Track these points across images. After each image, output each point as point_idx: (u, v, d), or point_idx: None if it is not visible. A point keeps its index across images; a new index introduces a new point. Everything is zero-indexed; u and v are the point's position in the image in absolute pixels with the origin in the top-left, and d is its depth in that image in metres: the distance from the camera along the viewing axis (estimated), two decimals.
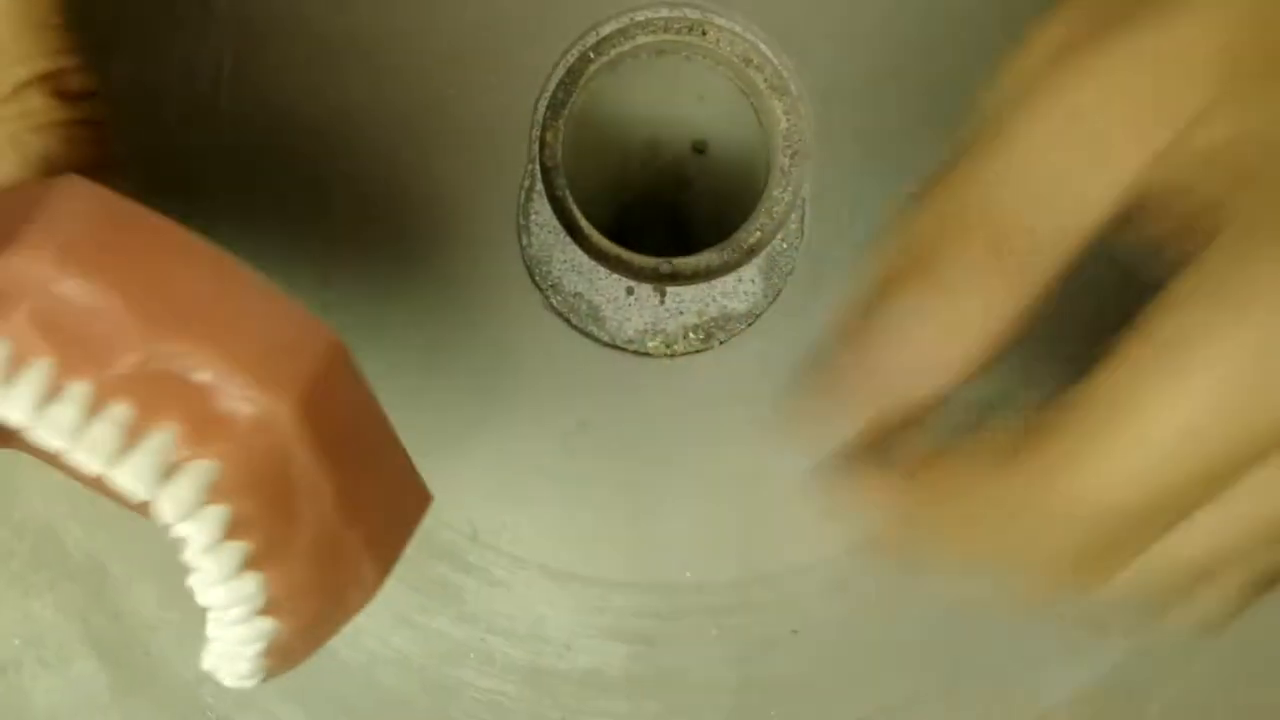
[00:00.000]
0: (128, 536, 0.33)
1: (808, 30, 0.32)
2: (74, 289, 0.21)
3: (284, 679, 0.33)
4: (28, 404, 0.21)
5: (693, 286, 0.33)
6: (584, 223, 0.33)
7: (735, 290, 0.33)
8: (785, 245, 0.33)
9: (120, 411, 0.21)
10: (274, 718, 0.33)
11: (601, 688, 0.33)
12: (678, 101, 0.36)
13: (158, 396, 0.21)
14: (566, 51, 0.33)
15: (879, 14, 0.32)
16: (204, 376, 0.21)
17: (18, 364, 0.21)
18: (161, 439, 0.21)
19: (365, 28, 0.32)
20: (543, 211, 0.33)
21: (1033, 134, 0.21)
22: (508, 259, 0.32)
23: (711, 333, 0.33)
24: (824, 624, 0.33)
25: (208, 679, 0.33)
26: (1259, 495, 0.21)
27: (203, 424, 0.21)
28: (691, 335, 0.33)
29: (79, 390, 0.21)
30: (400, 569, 0.33)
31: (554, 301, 0.33)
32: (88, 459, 0.21)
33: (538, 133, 0.33)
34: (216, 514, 0.21)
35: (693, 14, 0.33)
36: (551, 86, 0.33)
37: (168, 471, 0.21)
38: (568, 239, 0.33)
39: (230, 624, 0.23)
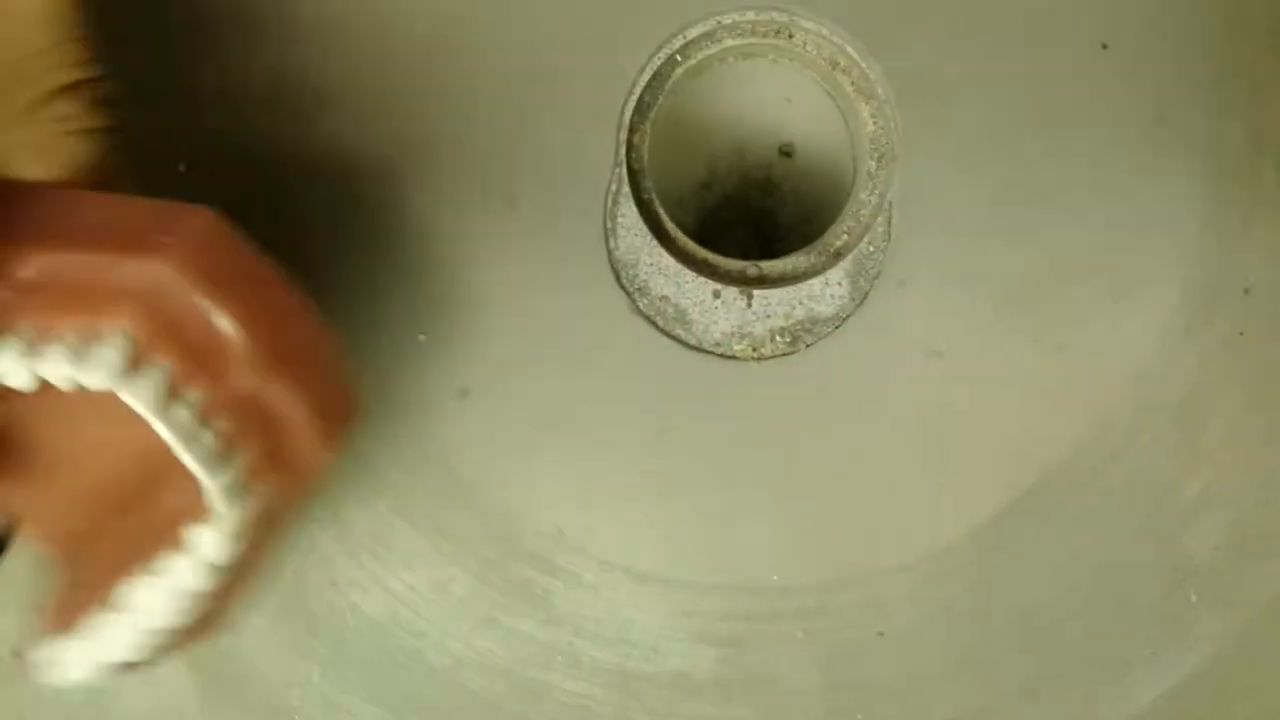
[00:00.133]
0: None
1: (894, 33, 0.32)
2: (200, 306, 0.24)
3: (370, 682, 0.33)
4: (110, 370, 0.23)
5: (779, 290, 0.33)
6: (671, 226, 0.33)
7: (822, 293, 0.33)
8: (871, 248, 0.33)
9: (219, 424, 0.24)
10: None
11: (689, 691, 0.33)
12: (764, 104, 0.36)
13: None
14: (653, 55, 0.33)
15: (965, 17, 0.32)
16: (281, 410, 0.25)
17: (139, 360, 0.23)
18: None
19: (453, 36, 0.32)
20: (629, 214, 0.33)
21: None
22: (595, 262, 0.32)
23: (798, 336, 0.33)
24: (910, 626, 0.33)
25: (295, 683, 0.33)
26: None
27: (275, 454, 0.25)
28: (778, 338, 0.33)
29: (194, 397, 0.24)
30: (486, 571, 0.33)
31: (641, 304, 0.33)
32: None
33: (625, 136, 0.33)
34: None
35: (779, 17, 0.33)
36: (638, 90, 0.33)
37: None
38: (654, 242, 0.33)
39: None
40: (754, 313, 0.33)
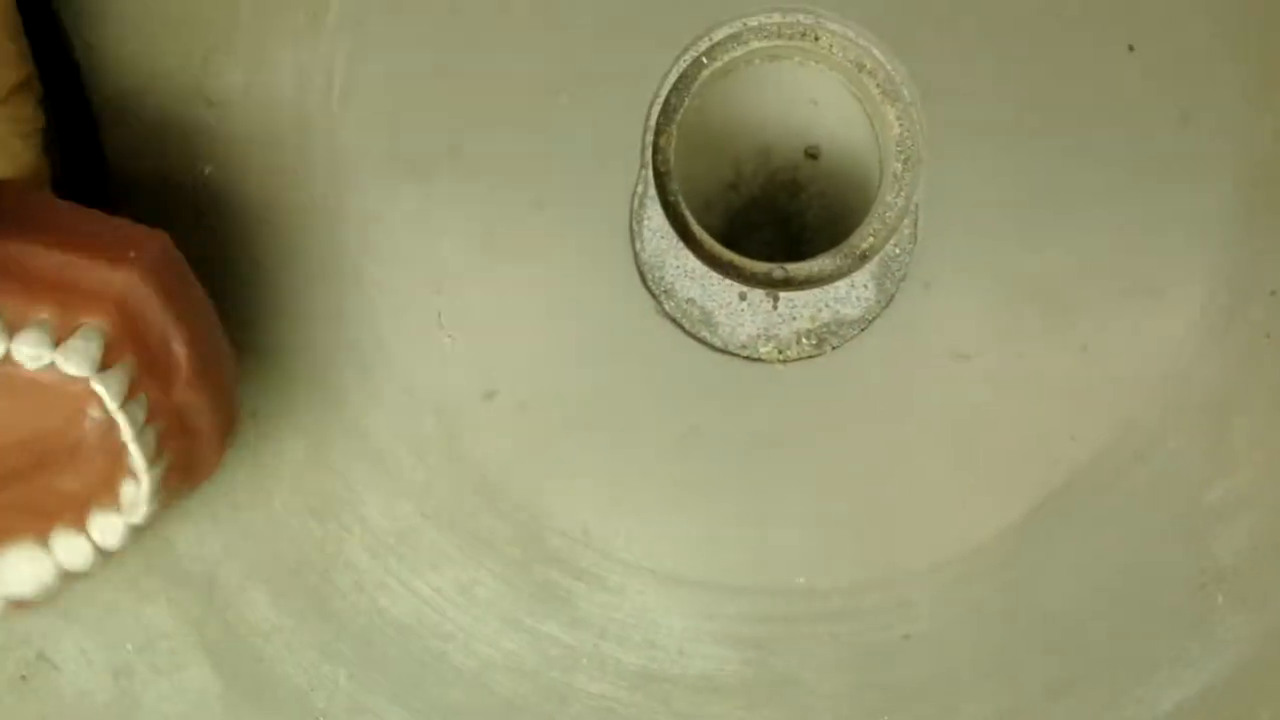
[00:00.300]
0: (240, 543, 0.33)
1: (920, 36, 0.32)
2: (157, 320, 0.27)
3: (396, 685, 0.33)
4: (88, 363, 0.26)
5: (805, 292, 0.33)
6: (697, 228, 0.33)
7: (848, 296, 0.33)
8: (898, 251, 0.33)
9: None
10: None
11: (715, 693, 0.33)
12: (790, 107, 0.36)
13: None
14: (679, 57, 0.33)
15: (991, 20, 0.32)
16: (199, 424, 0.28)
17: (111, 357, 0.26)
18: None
19: (476, 36, 0.32)
20: (655, 217, 0.33)
21: None
22: (620, 264, 0.33)
23: (824, 338, 0.33)
24: (937, 629, 0.33)
25: (321, 685, 0.33)
26: None
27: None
28: (804, 341, 0.33)
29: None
30: (512, 573, 0.33)
31: (667, 307, 0.33)
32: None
33: (651, 138, 0.33)
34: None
35: (806, 19, 0.33)
36: (664, 92, 0.33)
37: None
38: (680, 244, 0.33)
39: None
40: (780, 315, 0.33)
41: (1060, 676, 0.33)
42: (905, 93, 0.33)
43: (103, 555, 0.28)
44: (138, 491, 0.27)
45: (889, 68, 0.33)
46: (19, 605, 0.28)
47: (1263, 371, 0.33)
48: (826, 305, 0.33)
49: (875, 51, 0.33)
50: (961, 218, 0.32)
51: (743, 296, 0.33)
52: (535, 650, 0.33)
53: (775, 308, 0.33)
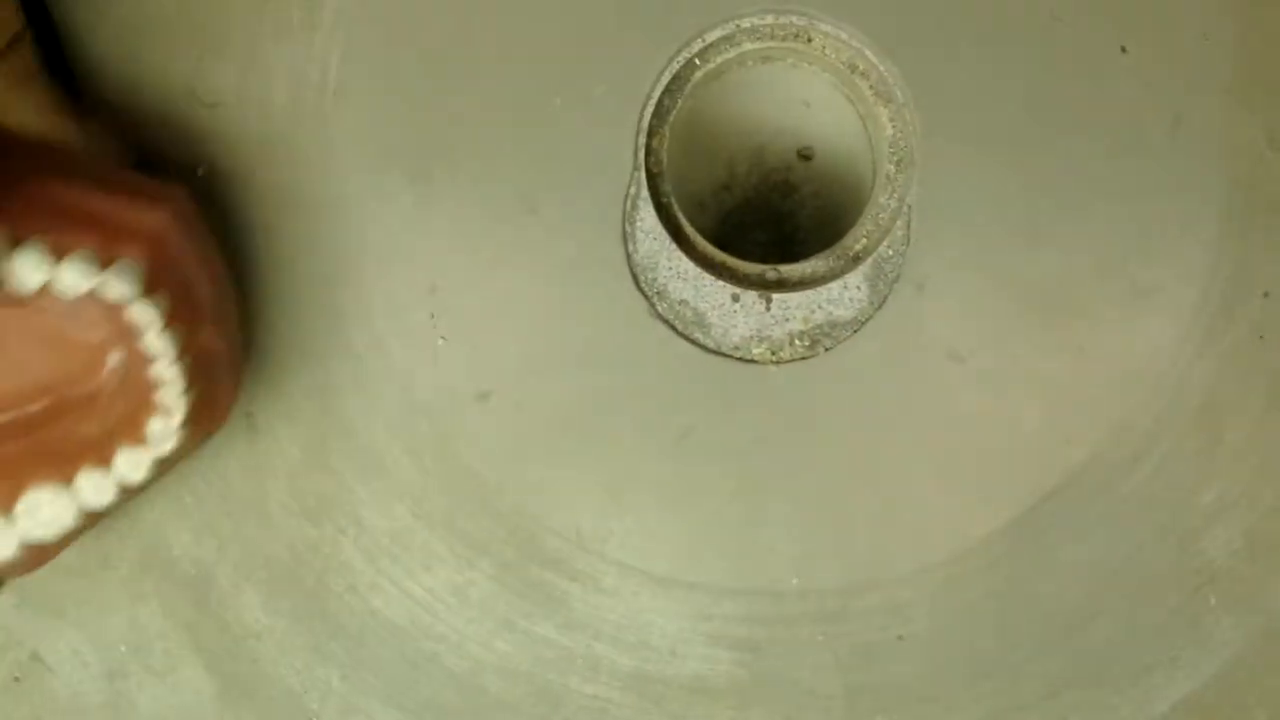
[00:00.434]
0: (234, 544, 0.33)
1: (913, 37, 0.32)
2: (186, 260, 0.28)
3: (389, 686, 0.33)
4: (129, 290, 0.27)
5: (798, 293, 0.33)
6: (690, 229, 0.33)
7: (841, 297, 0.33)
8: (891, 252, 0.33)
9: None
10: None
11: (707, 694, 0.33)
12: (783, 108, 0.36)
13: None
14: (672, 58, 0.33)
15: (983, 21, 0.32)
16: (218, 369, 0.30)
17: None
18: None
19: (469, 38, 0.32)
20: (648, 218, 0.33)
21: None
22: (614, 266, 0.33)
23: (817, 339, 0.33)
24: (929, 630, 0.33)
25: (315, 687, 0.33)
26: None
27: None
28: (797, 342, 0.33)
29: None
30: (505, 575, 0.33)
31: (659, 308, 0.33)
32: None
33: (643, 139, 0.33)
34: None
35: (798, 20, 0.33)
36: (657, 93, 0.33)
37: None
38: (673, 246, 0.33)
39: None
40: (773, 316, 0.33)
41: (1053, 678, 0.33)
42: (898, 94, 0.33)
43: (125, 491, 0.28)
44: (167, 425, 0.28)
45: (882, 69, 0.33)
46: (37, 552, 0.28)
47: (1257, 372, 0.33)
48: (819, 307, 0.33)
49: (868, 53, 0.33)
50: (955, 219, 0.32)
51: (735, 298, 0.33)
52: (529, 651, 0.33)
53: (768, 309, 0.33)
